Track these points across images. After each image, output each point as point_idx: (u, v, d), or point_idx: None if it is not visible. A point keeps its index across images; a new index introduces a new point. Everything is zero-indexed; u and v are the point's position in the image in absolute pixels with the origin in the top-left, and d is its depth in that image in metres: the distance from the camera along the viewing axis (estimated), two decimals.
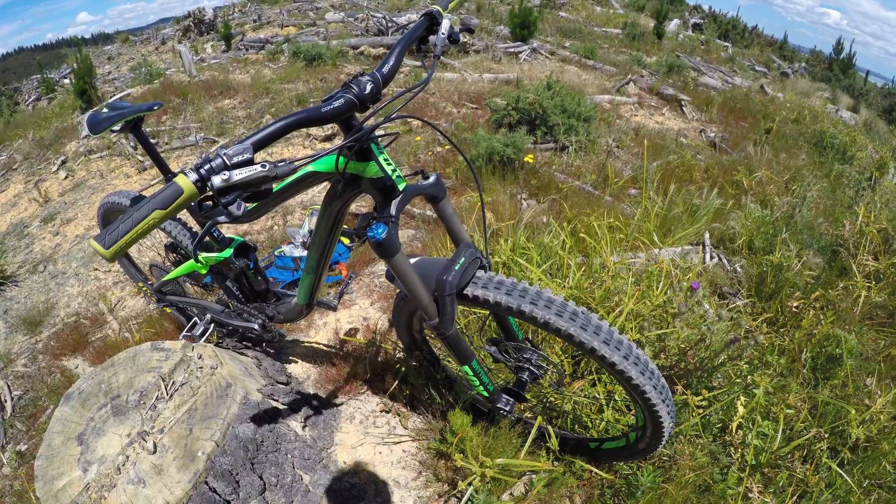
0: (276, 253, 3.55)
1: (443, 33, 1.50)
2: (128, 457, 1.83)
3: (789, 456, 2.10)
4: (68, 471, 1.84)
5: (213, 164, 0.99)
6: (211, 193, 1.00)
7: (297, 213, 4.38)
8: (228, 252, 2.13)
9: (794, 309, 2.87)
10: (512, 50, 9.86)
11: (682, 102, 7.88)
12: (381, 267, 3.50)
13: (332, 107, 1.24)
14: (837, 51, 18.85)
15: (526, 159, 4.55)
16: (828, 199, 4.44)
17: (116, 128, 2.09)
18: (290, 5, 18.42)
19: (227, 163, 1.00)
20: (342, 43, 9.87)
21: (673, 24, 16.73)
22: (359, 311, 3.16)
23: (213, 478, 1.79)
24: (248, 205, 1.13)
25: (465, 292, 1.63)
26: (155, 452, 1.83)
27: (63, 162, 6.63)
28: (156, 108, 2.11)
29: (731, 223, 3.71)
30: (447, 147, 5.37)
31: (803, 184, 4.43)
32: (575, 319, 1.54)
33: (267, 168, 1.02)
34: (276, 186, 1.51)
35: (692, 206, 3.76)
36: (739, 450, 2.11)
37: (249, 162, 1.02)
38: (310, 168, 1.49)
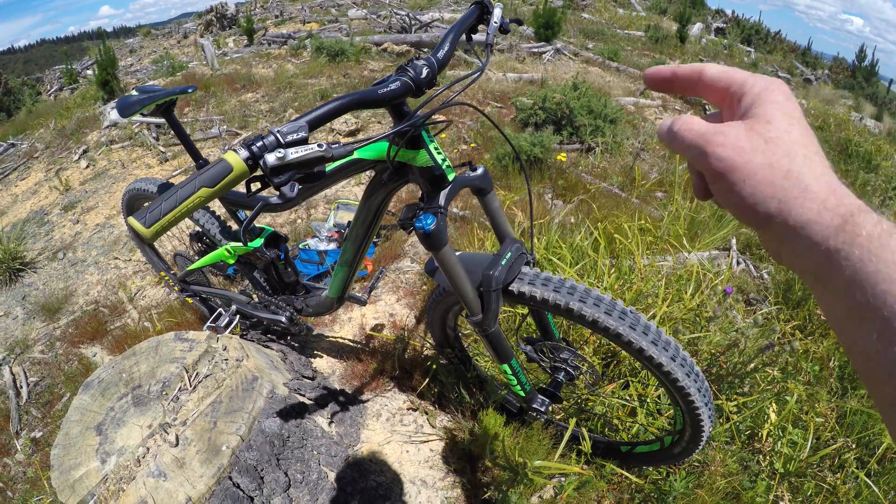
0: (300, 246, 3.50)
1: (495, 22, 1.44)
2: (148, 449, 1.78)
3: (817, 465, 2.05)
4: (86, 461, 1.79)
5: (265, 141, 0.92)
6: (262, 173, 0.93)
7: (322, 206, 4.32)
8: (259, 242, 2.07)
9: (821, 317, 2.79)
10: (535, 50, 9.78)
11: (706, 107, 7.77)
12: (407, 263, 3.44)
13: (388, 89, 1.17)
14: (860, 58, 18.65)
15: (559, 157, 4.48)
16: None
17: (147, 111, 2.03)
18: (312, 2, 18.43)
19: (281, 140, 0.93)
20: (365, 39, 9.82)
21: (696, 28, 16.58)
22: (385, 307, 3.09)
23: (238, 473, 1.73)
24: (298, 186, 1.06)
25: (510, 288, 1.57)
26: (177, 445, 1.77)
27: (84, 151, 6.62)
28: (189, 90, 2.05)
29: None
30: (472, 146, 5.30)
31: None
32: (624, 318, 1.48)
33: (323, 148, 0.94)
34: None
35: (719, 211, 3.68)
36: (768, 457, 2.07)
37: (304, 141, 0.95)
38: (356, 154, 1.43)
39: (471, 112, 6.32)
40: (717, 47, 15.25)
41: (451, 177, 1.41)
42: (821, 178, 0.44)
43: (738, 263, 3.41)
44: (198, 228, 2.37)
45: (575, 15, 15.85)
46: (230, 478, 1.71)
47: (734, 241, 3.56)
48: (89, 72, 12.62)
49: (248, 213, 2.27)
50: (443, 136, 5.48)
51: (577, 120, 5.31)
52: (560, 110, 5.35)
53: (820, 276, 0.42)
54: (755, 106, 0.49)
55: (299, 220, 4.14)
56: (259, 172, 0.93)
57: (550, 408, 1.92)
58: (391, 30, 11.55)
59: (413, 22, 11.39)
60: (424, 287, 3.16)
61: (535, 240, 2.88)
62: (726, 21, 20.64)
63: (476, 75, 1.34)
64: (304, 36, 11.09)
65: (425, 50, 9.60)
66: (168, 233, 3.80)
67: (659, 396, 2.22)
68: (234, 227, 2.27)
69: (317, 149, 0.93)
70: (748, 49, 17.09)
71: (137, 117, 6.74)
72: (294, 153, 0.91)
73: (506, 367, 1.77)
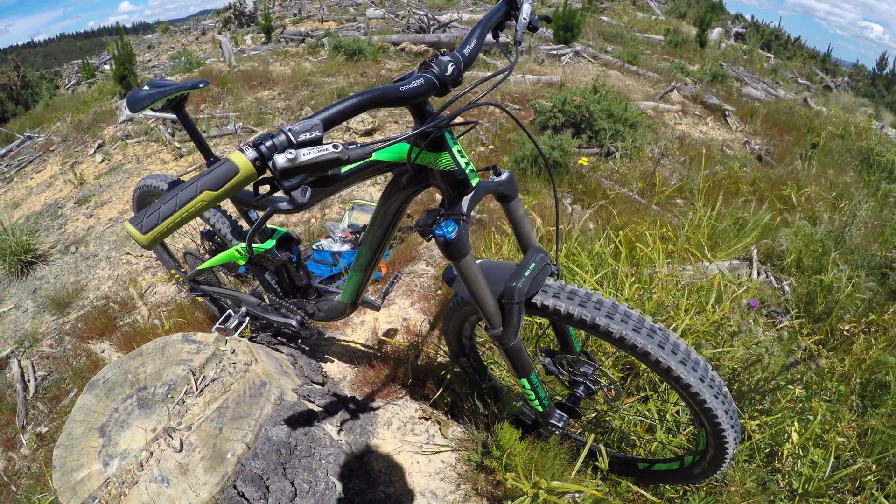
0: (314, 246, 3.45)
1: (524, 18, 1.36)
2: (152, 453, 1.73)
3: (836, 486, 1.99)
4: (88, 463, 1.75)
5: (275, 140, 0.85)
6: (271, 175, 0.86)
7: (336, 206, 4.27)
8: (271, 243, 2.02)
9: (845, 332, 2.71)
10: (554, 52, 9.69)
11: (726, 112, 7.66)
12: (422, 266, 3.38)
13: (411, 86, 1.10)
14: (881, 66, 18.40)
15: (580, 162, 4.40)
16: (876, 219, 4.24)
17: (157, 106, 1.97)
18: (330, 0, 18.44)
19: (293, 140, 0.85)
20: (383, 39, 9.78)
21: (715, 33, 16.42)
22: (398, 312, 3.03)
23: (243, 482, 1.67)
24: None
25: (533, 301, 1.50)
26: (181, 451, 1.73)
27: (100, 145, 6.62)
28: (201, 85, 1.99)
29: (781, 239, 3.54)
30: (490, 147, 5.23)
31: (852, 202, 4.24)
32: (653, 336, 1.40)
33: (339, 149, 0.86)
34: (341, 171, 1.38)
35: (740, 220, 3.60)
36: (787, 477, 2.00)
37: (318, 141, 0.87)
38: (374, 156, 1.36)
39: (488, 114, 6.24)
40: (737, 52, 15.11)
41: (474, 182, 1.34)
42: None
43: (760, 274, 3.32)
44: (208, 227, 2.32)
45: (594, 18, 15.75)
46: (235, 486, 1.66)
47: (755, 250, 3.48)
48: (107, 67, 12.66)
49: (260, 213, 2.21)
50: (459, 139, 5.42)
51: (596, 124, 5.23)
52: (580, 113, 5.27)
53: None
54: None
55: (313, 220, 4.09)
56: (268, 174, 0.86)
57: (569, 423, 1.85)
58: (409, 29, 11.50)
59: (431, 22, 11.34)
60: (439, 292, 3.10)
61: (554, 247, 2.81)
62: (746, 26, 20.46)
63: (505, 74, 1.27)
64: (321, 34, 11.07)
65: (443, 50, 9.53)
66: (180, 230, 3.76)
67: (678, 412, 2.15)
68: (246, 226, 2.22)
69: (332, 150, 0.86)
70: (768, 55, 16.91)
71: (152, 112, 6.73)
72: (306, 154, 0.84)
73: (524, 381, 1.70)
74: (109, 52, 13.84)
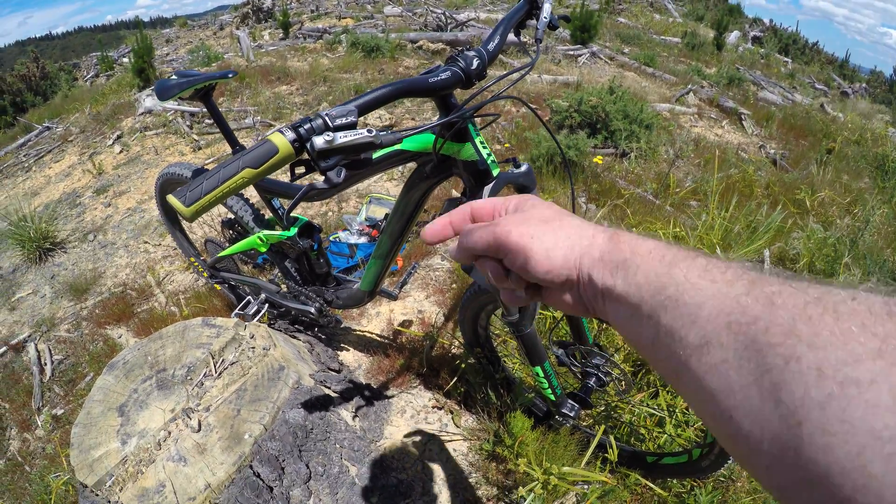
0: (331, 238, 3.49)
1: (545, 17, 1.40)
2: (170, 433, 1.76)
3: None
4: (106, 441, 1.77)
5: (313, 123, 0.89)
6: (308, 157, 0.89)
7: (353, 200, 4.30)
8: (293, 231, 2.05)
9: None
10: (571, 53, 9.69)
11: (742, 116, 7.64)
12: (438, 261, 3.40)
13: (439, 78, 1.15)
14: None
15: (595, 160, 4.41)
16: (889, 225, 4.23)
17: (186, 95, 2.01)
18: None
19: (330, 124, 0.89)
20: (400, 36, 9.81)
21: (733, 36, 16.36)
22: (413, 304, 3.06)
23: (259, 462, 1.70)
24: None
25: None
26: (199, 431, 1.75)
27: (118, 136, 6.69)
28: (230, 75, 2.03)
29: (794, 242, 3.54)
30: (507, 146, 5.25)
31: (866, 208, 4.23)
32: None
33: (373, 134, 0.90)
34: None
35: (753, 222, 3.60)
36: None
37: (353, 125, 0.92)
38: (400, 145, 1.39)
39: (505, 112, 6.27)
40: (755, 56, 15.05)
41: (495, 172, 1.37)
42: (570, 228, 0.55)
43: None
44: (230, 215, 2.35)
45: (611, 19, 15.73)
46: (251, 467, 1.69)
47: (767, 253, 3.48)
48: (126, 59, 12.78)
49: (284, 201, 2.25)
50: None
51: (612, 124, 5.24)
52: (595, 114, 5.28)
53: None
54: (518, 211, 0.61)
55: (330, 213, 4.12)
56: (305, 156, 0.90)
57: (580, 413, 1.87)
58: (427, 27, 11.54)
59: (449, 20, 11.38)
60: (454, 285, 3.12)
61: None
62: (763, 30, 20.37)
63: (527, 69, 1.30)
64: (339, 31, 11.13)
65: (468, 45, 9.55)
66: (199, 219, 3.81)
67: (687, 407, 2.16)
68: (268, 215, 2.25)
69: (366, 134, 0.90)
70: (785, 59, 16.83)
71: (172, 104, 6.78)
72: (343, 137, 0.88)
73: (538, 369, 1.72)
74: (128, 46, 13.96)
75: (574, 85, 7.46)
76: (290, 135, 0.87)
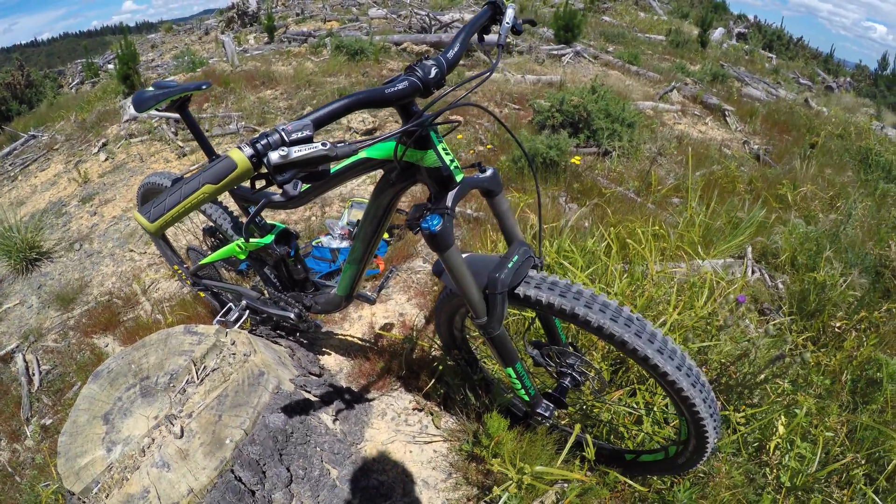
0: (313, 243, 3.52)
1: (507, 23, 1.44)
2: (153, 439, 1.80)
3: (825, 480, 2.03)
4: (92, 449, 1.81)
5: (269, 139, 0.93)
6: (266, 171, 0.94)
7: (336, 204, 4.34)
8: (270, 238, 2.09)
9: (836, 329, 2.76)
10: (555, 52, 9.75)
11: (726, 112, 7.71)
12: (419, 263, 3.44)
13: (395, 88, 1.19)
14: (883, 66, 18.42)
15: (573, 161, 4.46)
16: (872, 218, 4.29)
17: (162, 107, 2.05)
18: (333, 0, 18.50)
19: (286, 139, 0.94)
20: (385, 39, 9.83)
21: (717, 33, 16.46)
22: (395, 307, 3.10)
23: (240, 466, 1.74)
24: (303, 185, 1.07)
25: (516, 291, 1.57)
26: (182, 437, 1.79)
27: (104, 144, 6.69)
28: (204, 87, 2.07)
29: (775, 237, 3.59)
30: (489, 147, 5.30)
31: (849, 201, 4.29)
32: (630, 326, 1.46)
33: (327, 147, 0.95)
34: (331, 169, 1.46)
35: (735, 219, 3.65)
36: (775, 470, 2.05)
37: (308, 139, 0.96)
38: (364, 154, 1.43)
39: (487, 115, 6.31)
40: (739, 52, 15.15)
41: (458, 178, 1.41)
42: None
43: (753, 272, 3.37)
44: (210, 223, 2.39)
45: (595, 18, 15.80)
46: (232, 471, 1.73)
47: (749, 249, 3.53)
48: (111, 66, 12.73)
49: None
50: (459, 136, 5.47)
51: (594, 123, 5.29)
52: (577, 113, 5.33)
53: None
54: None
55: (313, 218, 4.15)
56: (263, 170, 0.94)
57: (555, 413, 1.91)
58: (411, 29, 11.57)
59: (433, 22, 11.41)
60: (435, 288, 3.16)
61: (547, 243, 2.86)
62: (748, 26, 20.48)
63: (486, 75, 1.33)
64: (324, 34, 11.13)
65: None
66: (183, 227, 3.83)
67: (666, 405, 2.20)
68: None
69: (320, 148, 0.94)
70: (769, 55, 16.95)
71: (156, 112, 6.78)
72: (298, 152, 0.92)
73: (510, 370, 1.76)
74: (113, 52, 13.89)
75: (558, 85, 7.51)
76: (248, 150, 0.92)
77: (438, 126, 1.39)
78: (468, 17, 12.32)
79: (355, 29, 12.36)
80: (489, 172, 1.55)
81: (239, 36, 13.60)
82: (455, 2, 15.90)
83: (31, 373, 3.34)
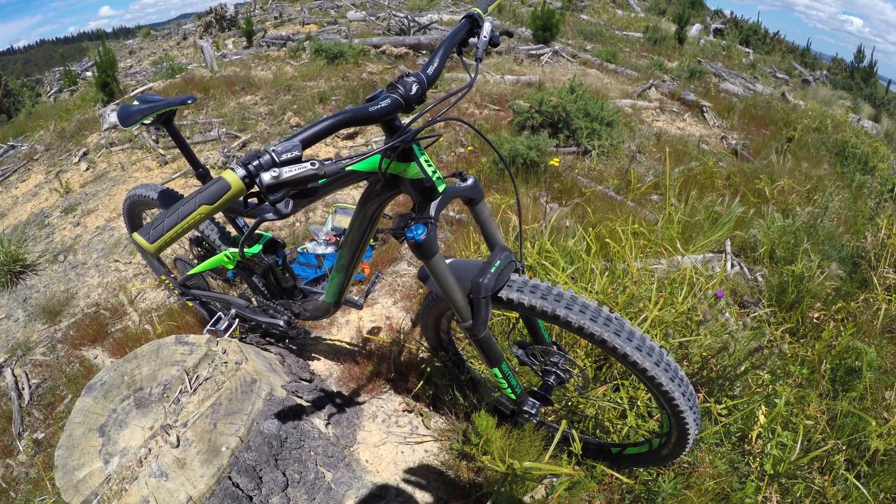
0: (298, 249, 3.55)
1: (484, 36, 1.50)
2: (150, 450, 1.82)
3: (807, 467, 2.09)
4: (89, 462, 1.83)
5: (261, 160, 0.98)
6: (258, 190, 0.98)
7: (320, 210, 4.37)
8: (257, 248, 2.13)
9: (814, 320, 2.84)
10: (533, 52, 9.81)
11: (704, 108, 7.81)
12: (404, 266, 3.49)
13: (378, 107, 1.23)
14: (859, 59, 18.63)
15: (552, 163, 4.51)
16: (849, 209, 4.39)
17: (148, 121, 2.09)
18: (311, 3, 18.47)
19: (276, 160, 0.99)
20: (364, 42, 9.84)
21: (694, 29, 16.62)
22: (382, 310, 3.14)
23: (237, 473, 1.78)
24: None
25: (499, 295, 1.62)
26: (178, 446, 1.82)
27: (84, 153, 6.65)
28: (189, 101, 2.11)
29: (753, 231, 3.67)
30: (469, 149, 5.35)
31: (825, 194, 4.38)
32: (609, 325, 1.53)
33: (316, 166, 1.00)
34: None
35: (714, 214, 3.72)
36: (758, 459, 2.11)
37: (298, 159, 1.01)
38: (350, 167, 1.48)
39: (468, 115, 6.37)
40: (716, 48, 15.29)
41: (441, 188, 1.47)
42: None
43: (733, 266, 3.44)
44: (198, 234, 2.42)
45: (573, 16, 15.89)
46: (230, 478, 1.76)
47: (728, 243, 3.60)
48: (89, 73, 12.62)
49: (247, 220, 2.33)
50: (440, 139, 5.52)
51: (573, 123, 5.36)
52: (556, 113, 5.40)
53: None
54: None
55: (297, 224, 4.18)
56: (255, 189, 0.98)
57: (541, 410, 1.96)
58: (390, 32, 11.57)
59: (411, 24, 11.42)
60: (420, 290, 3.21)
61: (528, 244, 2.92)
62: (725, 22, 20.66)
63: (464, 91, 1.39)
64: (303, 38, 11.13)
65: (423, 52, 9.61)
66: None
67: (649, 400, 2.26)
68: (234, 232, 2.32)
69: (310, 167, 0.99)
70: (746, 50, 17.11)
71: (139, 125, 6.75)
72: (288, 172, 0.97)
73: (496, 370, 1.81)
74: (91, 59, 13.78)
75: (536, 85, 7.58)
76: (241, 171, 0.96)
77: (421, 138, 1.44)
78: (446, 17, 12.37)
79: (334, 32, 12.36)
80: (470, 182, 1.61)
81: (217, 41, 13.55)
82: (433, 3, 15.94)
83: (20, 387, 3.34)
